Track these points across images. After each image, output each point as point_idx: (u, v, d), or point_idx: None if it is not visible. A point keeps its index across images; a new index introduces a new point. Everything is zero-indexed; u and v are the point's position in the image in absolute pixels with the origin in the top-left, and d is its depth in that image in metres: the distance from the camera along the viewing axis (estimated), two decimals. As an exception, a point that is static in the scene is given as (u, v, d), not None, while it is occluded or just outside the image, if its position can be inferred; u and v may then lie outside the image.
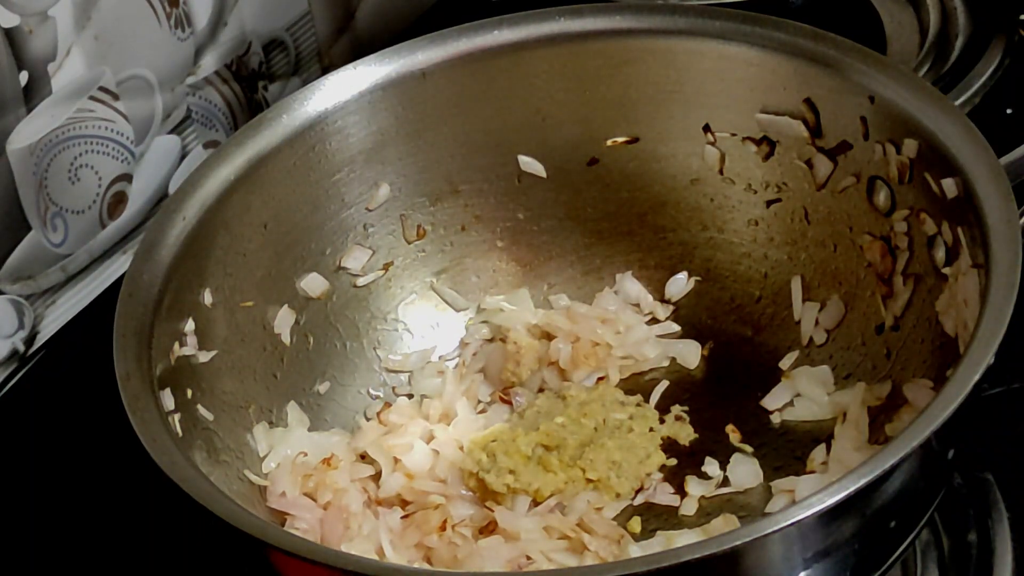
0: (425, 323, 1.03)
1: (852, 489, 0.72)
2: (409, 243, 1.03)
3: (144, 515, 0.94)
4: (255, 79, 1.18)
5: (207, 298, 0.92)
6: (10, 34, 0.98)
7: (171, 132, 1.13)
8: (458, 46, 1.00)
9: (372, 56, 1.00)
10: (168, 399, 0.85)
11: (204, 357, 0.91)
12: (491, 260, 1.05)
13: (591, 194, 1.03)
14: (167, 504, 0.80)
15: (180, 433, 0.84)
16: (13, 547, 0.97)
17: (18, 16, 0.98)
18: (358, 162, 1.00)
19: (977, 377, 0.75)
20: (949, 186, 0.86)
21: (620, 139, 1.02)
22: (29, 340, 1.06)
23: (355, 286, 1.01)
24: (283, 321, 0.97)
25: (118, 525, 0.96)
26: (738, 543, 0.71)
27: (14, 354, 1.06)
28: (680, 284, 1.03)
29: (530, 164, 1.03)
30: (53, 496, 0.99)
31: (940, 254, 0.89)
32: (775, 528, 0.71)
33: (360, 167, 1.00)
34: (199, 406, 0.89)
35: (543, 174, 1.03)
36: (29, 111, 1.01)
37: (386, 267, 1.02)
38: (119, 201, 1.10)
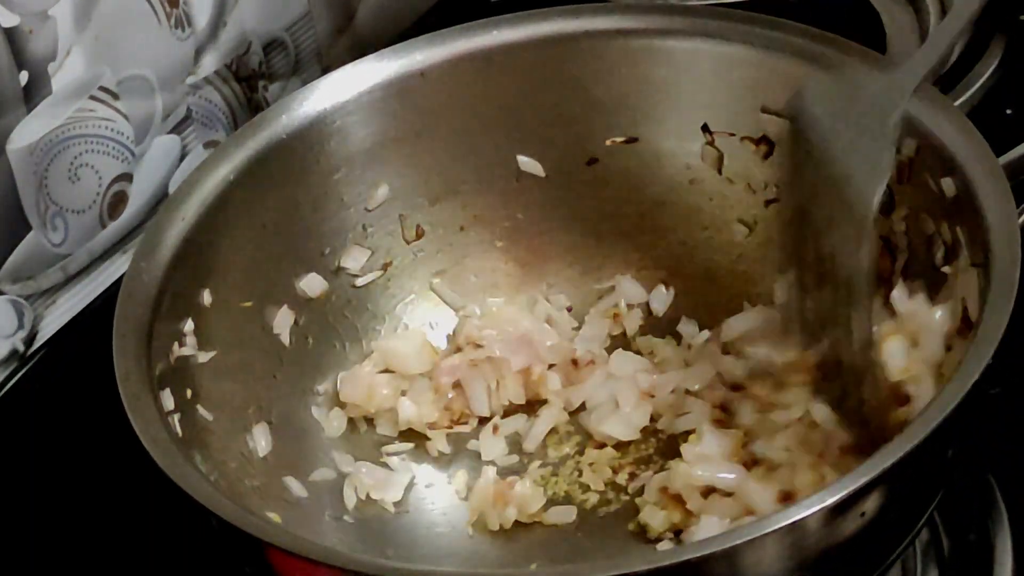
0: (424, 323, 1.03)
1: (852, 489, 0.72)
2: (408, 243, 1.03)
3: (144, 515, 0.94)
4: (255, 79, 1.18)
5: (207, 298, 0.92)
6: (10, 34, 0.98)
7: (171, 132, 1.12)
8: (458, 46, 1.00)
9: (372, 56, 1.00)
10: (168, 399, 0.85)
11: (204, 357, 0.91)
12: (491, 260, 1.05)
13: (590, 194, 1.03)
14: (167, 504, 0.80)
15: (180, 433, 0.84)
16: (13, 547, 0.97)
17: (18, 16, 0.98)
18: (357, 162, 1.00)
19: (977, 377, 0.75)
20: (948, 186, 0.86)
21: (619, 139, 1.02)
22: (29, 340, 1.06)
23: (354, 286, 1.01)
24: (282, 321, 0.97)
25: (118, 525, 0.96)
26: (737, 543, 0.71)
27: (14, 354, 1.06)
28: (663, 297, 1.03)
29: (530, 164, 1.03)
30: (53, 496, 0.99)
31: (939, 253, 0.89)
32: (774, 528, 0.71)
33: (359, 167, 1.00)
34: (199, 406, 0.89)
35: (543, 174, 1.03)
36: (29, 111, 1.01)
37: (385, 267, 1.02)
38: (119, 201, 1.10)
